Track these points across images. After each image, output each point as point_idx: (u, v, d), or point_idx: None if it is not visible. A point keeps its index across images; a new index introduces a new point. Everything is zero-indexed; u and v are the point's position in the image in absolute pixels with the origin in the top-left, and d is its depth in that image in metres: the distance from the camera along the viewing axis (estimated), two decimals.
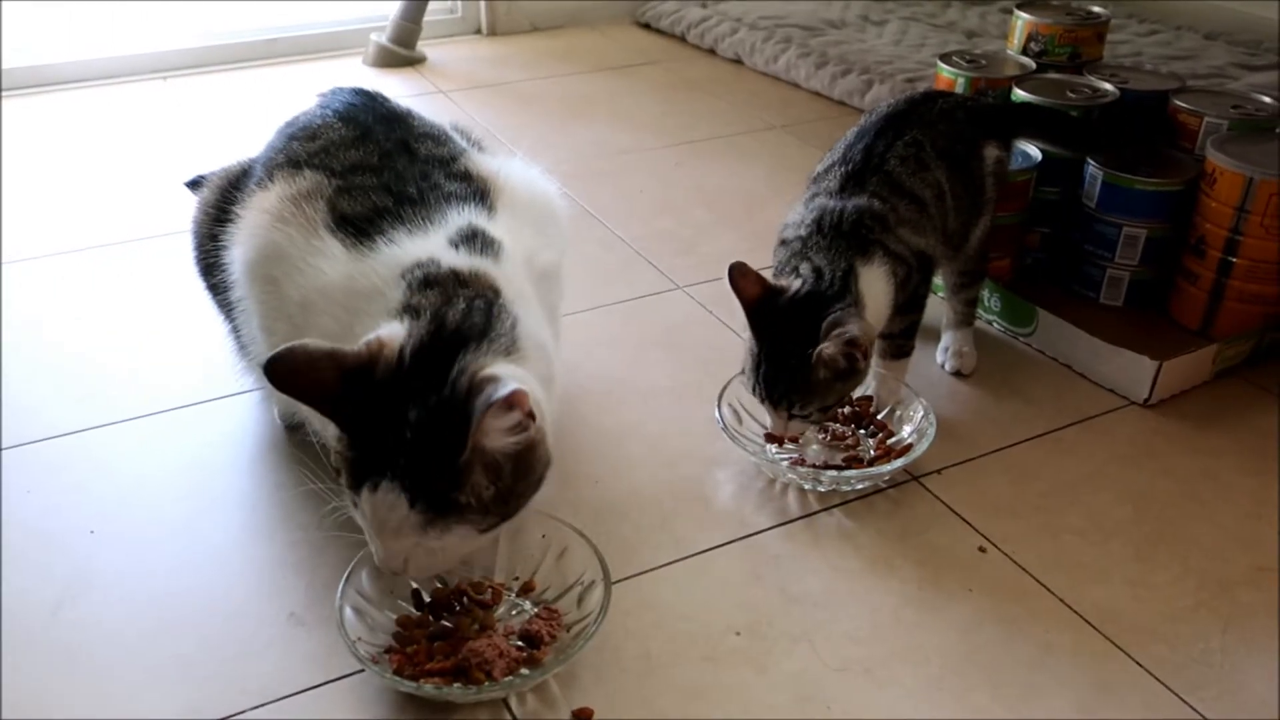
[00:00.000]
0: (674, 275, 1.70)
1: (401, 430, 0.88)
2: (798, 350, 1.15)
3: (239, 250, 1.10)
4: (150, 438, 1.33)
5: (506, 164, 1.18)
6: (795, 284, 1.18)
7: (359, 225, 1.03)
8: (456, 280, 0.98)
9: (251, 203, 1.11)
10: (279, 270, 1.05)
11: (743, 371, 1.23)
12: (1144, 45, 2.59)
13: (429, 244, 1.02)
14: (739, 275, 1.17)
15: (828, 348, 1.13)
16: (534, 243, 1.10)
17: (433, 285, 0.97)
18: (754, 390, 1.21)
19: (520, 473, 0.92)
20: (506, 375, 0.90)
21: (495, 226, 1.06)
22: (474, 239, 1.03)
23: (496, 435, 0.88)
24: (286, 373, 0.88)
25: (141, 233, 1.83)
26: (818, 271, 1.19)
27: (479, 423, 0.85)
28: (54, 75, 2.54)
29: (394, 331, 0.92)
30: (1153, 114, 1.55)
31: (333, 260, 1.02)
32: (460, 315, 0.94)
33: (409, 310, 0.95)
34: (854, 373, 1.17)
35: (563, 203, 1.23)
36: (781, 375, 1.17)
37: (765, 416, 1.24)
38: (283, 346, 0.88)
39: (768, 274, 1.23)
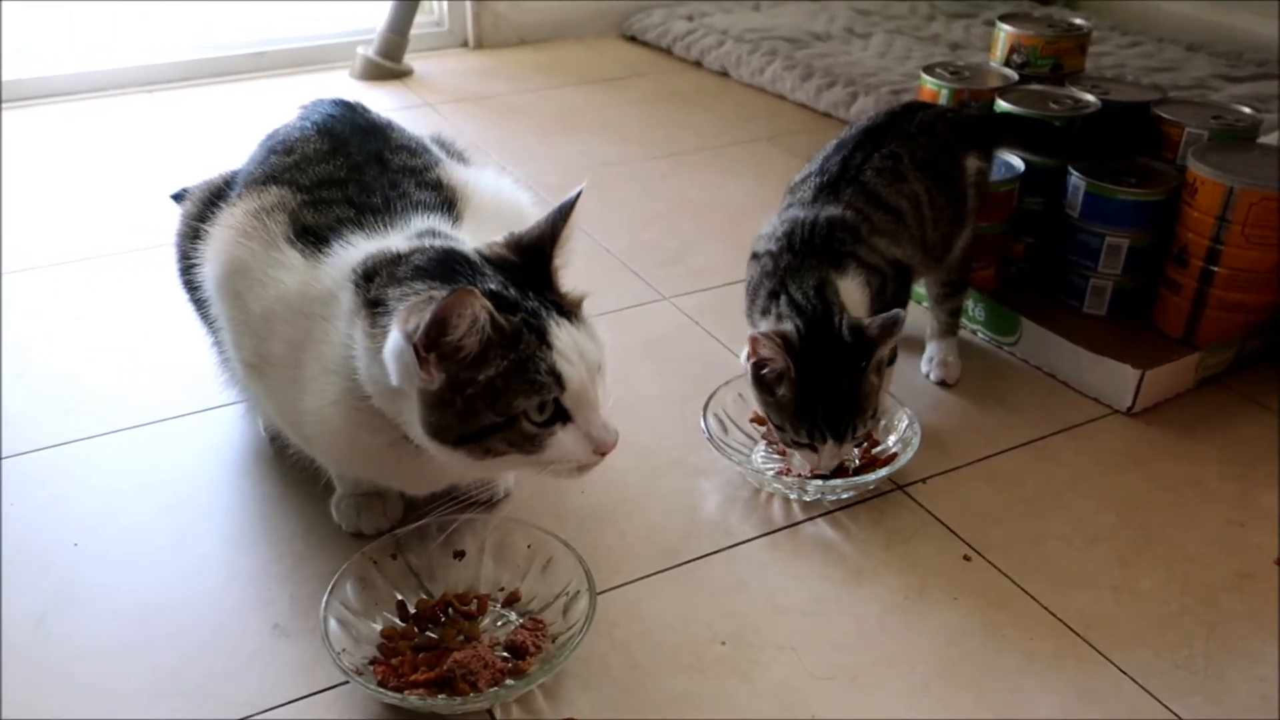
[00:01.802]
0: (660, 286, 1.70)
1: (507, 294, 0.94)
2: (842, 373, 1.15)
3: (209, 267, 1.10)
4: (135, 450, 1.33)
5: (477, 174, 1.18)
6: (789, 327, 1.17)
7: (318, 235, 1.04)
8: (397, 256, 0.99)
9: (220, 219, 1.11)
10: (242, 285, 1.05)
11: (780, 428, 1.19)
12: (1126, 57, 2.61)
13: (385, 243, 1.02)
14: (764, 345, 1.16)
15: (886, 349, 1.16)
16: None
17: (377, 271, 0.97)
18: (811, 437, 1.17)
19: None
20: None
21: (458, 234, 1.06)
22: (430, 237, 1.03)
23: (569, 240, 1.02)
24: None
25: (126, 246, 1.83)
26: (795, 304, 1.19)
27: (565, 223, 0.99)
28: (39, 89, 2.54)
29: (409, 299, 0.91)
30: (1134, 124, 1.56)
31: (291, 271, 1.02)
32: (426, 253, 0.97)
33: (372, 305, 0.94)
34: (883, 368, 1.19)
35: (535, 211, 1.23)
36: (842, 404, 1.15)
37: (732, 435, 1.24)
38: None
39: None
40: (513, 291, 0.94)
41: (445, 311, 0.86)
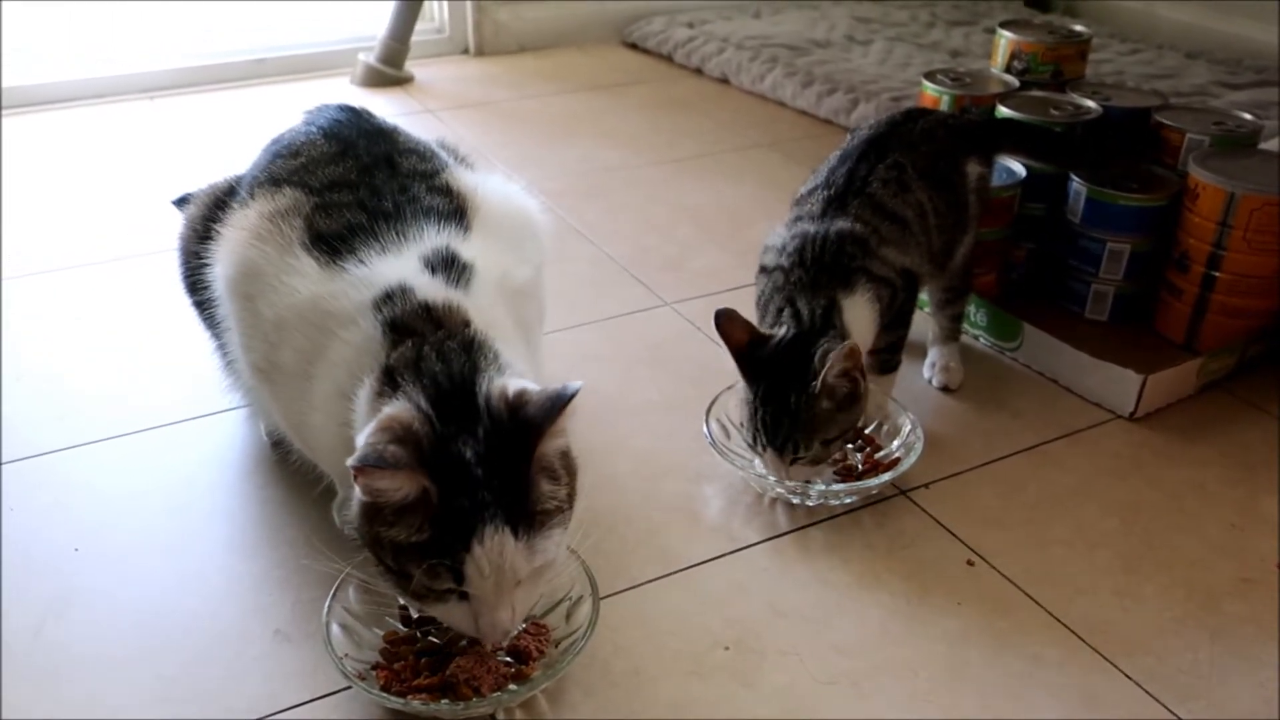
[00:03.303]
0: (661, 292, 1.70)
1: (471, 473, 0.86)
2: (795, 389, 1.14)
3: (220, 268, 1.10)
4: (136, 455, 1.33)
5: (485, 180, 1.18)
6: (780, 331, 1.18)
7: (333, 243, 1.03)
8: (429, 318, 0.97)
9: (232, 220, 1.11)
10: (255, 288, 1.05)
11: (740, 424, 1.22)
12: (1126, 64, 2.62)
13: (401, 265, 1.01)
14: (726, 321, 1.17)
15: (830, 374, 1.13)
16: (507, 260, 1.09)
17: (404, 331, 0.96)
18: (754, 440, 1.18)
19: (570, 466, 0.94)
20: (529, 382, 0.93)
21: (468, 247, 1.05)
22: (449, 266, 1.02)
23: (559, 435, 0.90)
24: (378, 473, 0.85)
25: (127, 251, 1.83)
26: (797, 317, 1.19)
27: (554, 420, 0.88)
28: (40, 95, 2.54)
29: (397, 408, 0.90)
30: (1135, 131, 1.56)
31: (306, 279, 1.02)
32: (448, 361, 0.93)
33: (389, 376, 0.93)
34: (855, 399, 1.17)
35: (543, 217, 1.23)
36: (783, 417, 1.15)
37: (734, 440, 1.24)
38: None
39: (750, 292, 1.23)
40: (480, 471, 0.87)
41: (371, 479, 0.85)
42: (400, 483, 0.85)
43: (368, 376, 0.95)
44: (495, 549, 0.86)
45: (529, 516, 0.88)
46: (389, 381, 0.93)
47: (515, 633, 0.99)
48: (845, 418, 1.18)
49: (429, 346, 0.94)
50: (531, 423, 0.89)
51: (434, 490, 0.86)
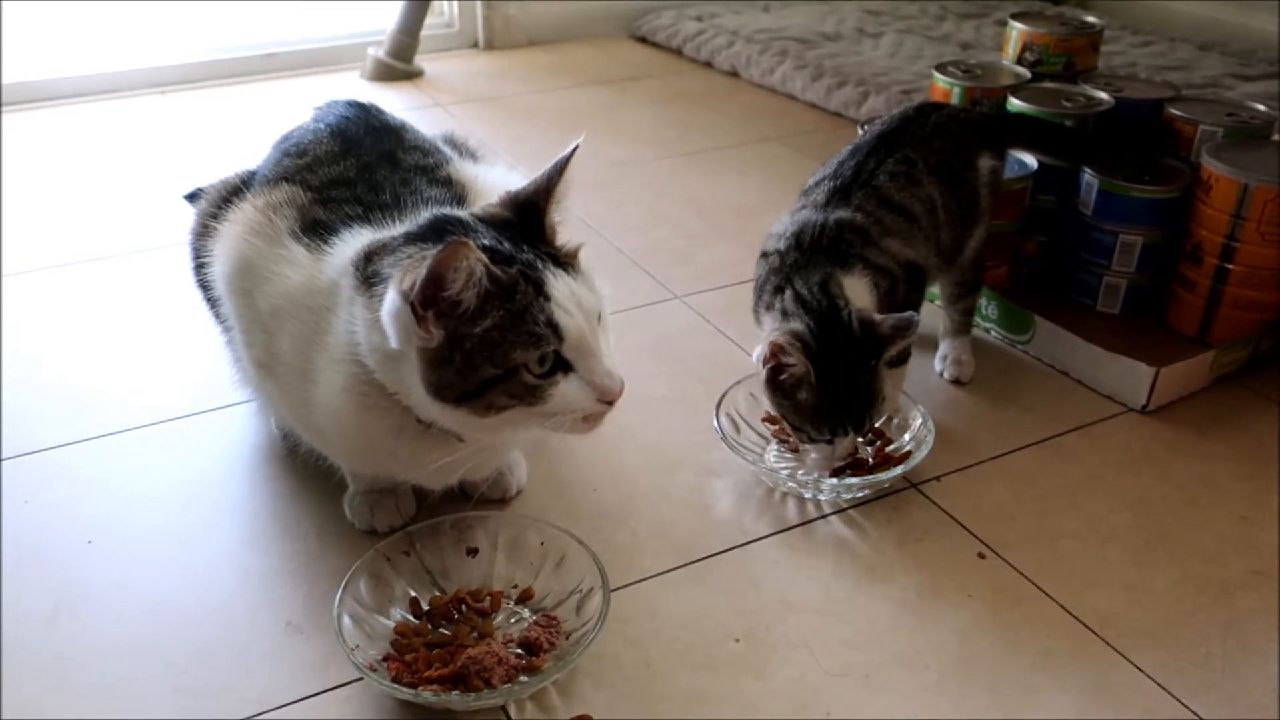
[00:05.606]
0: (671, 285, 1.70)
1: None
2: (860, 363, 1.15)
3: (218, 266, 1.10)
4: (148, 449, 1.33)
5: (487, 170, 1.19)
6: (799, 326, 1.16)
7: (323, 230, 1.04)
8: (393, 235, 0.99)
9: (229, 217, 1.11)
10: (250, 282, 1.05)
11: (798, 430, 1.19)
12: (1138, 56, 2.61)
13: (390, 233, 1.01)
14: (785, 351, 1.15)
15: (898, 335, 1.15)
16: None
17: (376, 253, 0.97)
18: (833, 432, 1.17)
19: None
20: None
21: None
22: (439, 237, 1.02)
23: None
24: None
25: (138, 246, 1.84)
26: (801, 300, 1.18)
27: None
28: (52, 90, 2.55)
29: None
30: (1148, 123, 1.56)
31: (297, 266, 1.02)
32: (416, 223, 0.98)
33: (369, 280, 0.94)
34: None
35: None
36: (860, 397, 1.15)
37: (744, 434, 1.24)
38: None
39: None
40: (507, 245, 0.93)
41: (440, 266, 0.85)
42: (472, 261, 0.87)
43: (358, 296, 0.95)
44: (565, 287, 0.94)
45: (568, 262, 0.98)
46: (375, 282, 0.94)
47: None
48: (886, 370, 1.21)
49: (397, 238, 0.97)
50: (538, 193, 0.99)
51: (488, 261, 0.90)
